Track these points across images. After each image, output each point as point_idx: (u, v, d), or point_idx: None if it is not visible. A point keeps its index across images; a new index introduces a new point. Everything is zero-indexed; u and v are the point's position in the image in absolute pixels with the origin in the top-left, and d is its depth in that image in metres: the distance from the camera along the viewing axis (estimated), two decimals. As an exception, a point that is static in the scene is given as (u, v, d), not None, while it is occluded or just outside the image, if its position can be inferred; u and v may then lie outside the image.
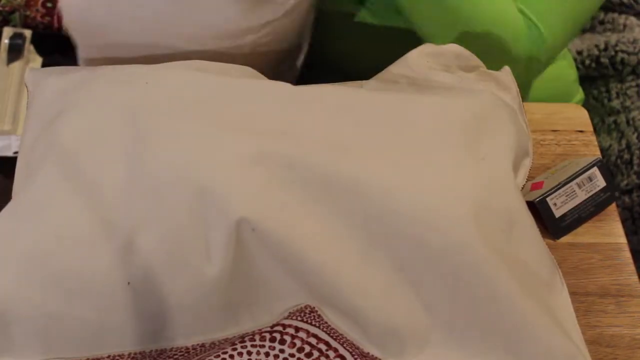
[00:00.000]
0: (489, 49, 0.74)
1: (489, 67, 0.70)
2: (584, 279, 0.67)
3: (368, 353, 0.51)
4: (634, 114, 1.00)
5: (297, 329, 0.52)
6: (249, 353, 0.53)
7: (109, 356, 0.48)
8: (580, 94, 1.00)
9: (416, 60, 0.64)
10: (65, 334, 0.47)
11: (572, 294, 0.66)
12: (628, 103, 1.01)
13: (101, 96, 0.54)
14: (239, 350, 0.53)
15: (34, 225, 0.49)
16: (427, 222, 0.50)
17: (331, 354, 0.53)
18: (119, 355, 0.48)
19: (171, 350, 0.49)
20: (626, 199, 0.95)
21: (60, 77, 0.58)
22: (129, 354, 0.48)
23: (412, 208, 0.50)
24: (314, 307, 0.51)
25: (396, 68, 0.65)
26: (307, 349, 0.52)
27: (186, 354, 0.50)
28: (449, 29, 0.74)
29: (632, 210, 0.94)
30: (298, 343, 0.52)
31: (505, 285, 0.50)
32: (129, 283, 0.47)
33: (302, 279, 0.50)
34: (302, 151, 0.51)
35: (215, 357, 0.53)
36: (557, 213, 0.69)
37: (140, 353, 0.48)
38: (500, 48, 0.74)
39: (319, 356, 0.53)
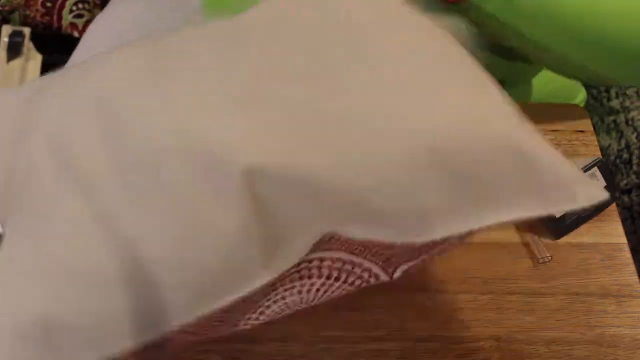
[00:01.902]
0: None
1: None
2: (584, 279, 0.67)
3: (401, 243, 0.50)
4: (633, 113, 1.00)
5: (322, 259, 0.52)
6: (283, 297, 0.54)
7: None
8: (582, 93, 1.00)
9: None
10: (103, 329, 0.47)
11: (573, 294, 0.66)
12: (627, 103, 1.02)
13: (60, 98, 0.53)
14: (273, 298, 0.53)
15: (46, 238, 0.48)
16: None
17: (357, 270, 0.54)
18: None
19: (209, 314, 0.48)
20: (625, 198, 0.95)
21: (14, 93, 0.57)
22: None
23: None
24: (334, 232, 0.50)
25: None
26: (335, 273, 0.54)
27: (225, 313, 0.50)
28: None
29: (631, 209, 0.94)
30: (325, 272, 0.53)
31: (509, 130, 0.51)
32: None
33: (319, 203, 0.49)
34: (282, 91, 0.50)
35: (252, 312, 0.53)
36: (558, 213, 0.69)
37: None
38: None
39: (347, 276, 0.54)
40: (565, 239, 0.70)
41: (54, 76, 0.58)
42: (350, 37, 0.54)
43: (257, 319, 0.55)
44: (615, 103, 1.02)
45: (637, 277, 0.68)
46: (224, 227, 0.47)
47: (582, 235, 0.70)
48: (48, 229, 0.49)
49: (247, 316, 0.54)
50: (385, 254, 0.54)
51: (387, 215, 0.50)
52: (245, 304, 0.51)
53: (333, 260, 0.53)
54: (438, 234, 0.50)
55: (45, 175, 0.51)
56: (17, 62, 1.17)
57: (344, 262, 0.53)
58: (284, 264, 0.51)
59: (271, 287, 0.52)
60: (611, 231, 0.71)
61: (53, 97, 0.55)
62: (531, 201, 0.52)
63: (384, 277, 0.56)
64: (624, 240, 0.70)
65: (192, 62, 0.53)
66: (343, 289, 0.56)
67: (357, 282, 0.56)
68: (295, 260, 0.51)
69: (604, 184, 0.70)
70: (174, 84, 0.51)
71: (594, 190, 0.51)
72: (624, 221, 0.75)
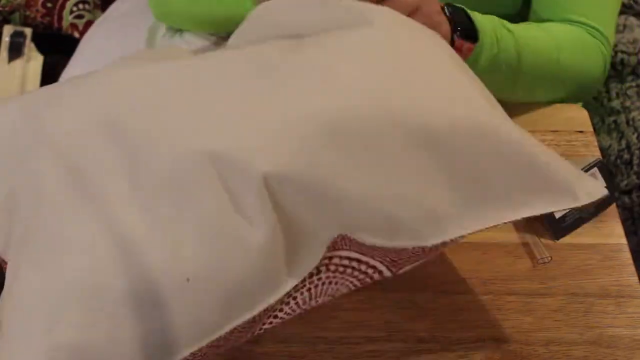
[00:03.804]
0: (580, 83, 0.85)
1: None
2: (584, 280, 0.67)
3: (412, 248, 0.52)
4: (634, 114, 1.00)
5: (331, 258, 0.53)
6: (294, 298, 0.54)
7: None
8: None
9: None
10: (148, 346, 0.47)
11: (573, 294, 0.66)
12: (628, 103, 1.02)
13: (69, 121, 0.53)
14: (286, 300, 0.54)
15: (67, 264, 0.48)
16: (427, 108, 0.52)
17: (363, 267, 0.55)
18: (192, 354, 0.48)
19: (241, 324, 0.49)
20: (626, 199, 0.95)
21: (8, 112, 0.56)
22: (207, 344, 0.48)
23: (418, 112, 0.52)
24: (345, 234, 0.52)
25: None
26: (342, 268, 0.55)
27: (252, 323, 0.50)
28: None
29: (631, 210, 0.94)
30: (332, 267, 0.54)
31: (514, 136, 0.53)
32: (188, 279, 0.47)
33: (337, 214, 0.51)
34: (296, 102, 0.52)
35: (267, 318, 0.54)
36: (558, 214, 0.69)
37: (216, 339, 0.49)
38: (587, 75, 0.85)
39: (353, 271, 0.55)
40: (565, 240, 0.70)
41: (61, 87, 0.58)
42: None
43: (270, 322, 0.55)
44: (615, 103, 1.02)
45: (636, 277, 0.68)
46: (252, 240, 0.48)
47: (582, 235, 0.70)
48: (64, 257, 0.48)
49: (262, 321, 0.55)
50: (391, 256, 0.54)
51: (398, 221, 0.51)
52: (269, 310, 0.51)
53: (341, 258, 0.54)
54: (449, 235, 0.52)
55: (58, 199, 0.50)
56: (18, 62, 1.18)
57: (351, 260, 0.54)
58: (306, 269, 0.52)
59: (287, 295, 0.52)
60: (611, 232, 0.71)
61: (63, 111, 0.54)
62: (535, 200, 0.53)
63: (387, 273, 0.57)
64: (624, 240, 0.70)
65: (219, 83, 0.54)
66: (347, 281, 0.56)
67: (361, 276, 0.56)
68: (315, 264, 0.52)
69: (604, 184, 0.70)
70: (196, 103, 0.52)
71: (593, 187, 0.53)
72: (624, 222, 0.75)
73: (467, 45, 0.81)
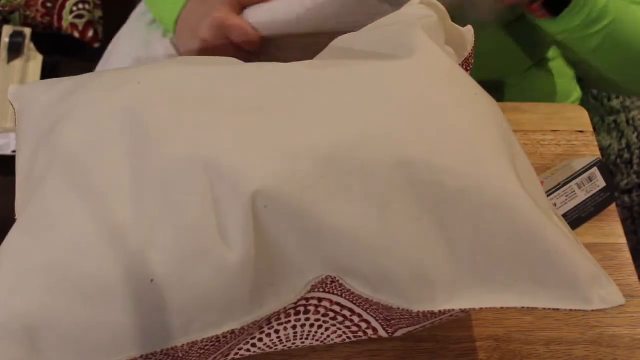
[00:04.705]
0: None
1: None
2: (584, 279, 0.67)
3: (398, 308, 0.50)
4: (634, 113, 1.00)
5: (320, 299, 0.52)
6: (277, 332, 0.54)
7: (141, 356, 0.47)
8: (577, 92, 1.00)
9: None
10: (96, 340, 0.47)
11: (572, 294, 0.66)
12: (628, 103, 1.02)
13: (95, 101, 0.53)
14: (267, 332, 0.53)
15: (48, 238, 0.48)
16: (442, 166, 0.49)
17: (355, 318, 0.54)
18: (151, 354, 0.48)
19: (202, 341, 0.49)
20: (626, 198, 0.95)
21: (48, 89, 0.57)
22: (162, 351, 0.48)
23: (425, 155, 0.49)
24: (335, 277, 0.50)
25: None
26: (332, 314, 0.53)
27: (217, 343, 0.50)
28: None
29: (632, 209, 0.94)
30: (322, 310, 0.53)
31: (530, 214, 0.48)
32: (152, 280, 0.46)
33: (321, 248, 0.49)
34: (302, 126, 0.50)
35: (244, 344, 0.53)
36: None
37: (172, 349, 0.48)
38: None
39: (344, 320, 0.54)
40: (565, 239, 0.70)
41: (91, 76, 0.58)
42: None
43: (248, 350, 0.55)
44: (615, 103, 1.02)
45: (636, 277, 0.68)
46: (225, 259, 0.47)
47: (582, 235, 0.70)
48: (51, 233, 0.48)
49: (238, 347, 0.54)
50: (384, 314, 0.53)
51: (383, 273, 0.49)
52: (238, 335, 0.51)
53: (332, 303, 0.53)
54: (437, 306, 0.50)
55: (60, 177, 0.50)
56: (17, 63, 1.18)
57: (343, 307, 0.53)
58: (281, 303, 0.51)
59: (266, 321, 0.52)
60: (611, 231, 0.71)
61: (88, 95, 0.54)
62: (542, 293, 0.49)
63: (383, 333, 0.56)
64: (623, 240, 0.70)
65: (228, 97, 0.53)
66: (339, 330, 0.55)
67: (354, 328, 0.55)
68: (293, 300, 0.51)
69: (604, 184, 0.70)
70: (203, 114, 0.51)
71: (609, 294, 0.49)
72: (624, 221, 0.75)
73: (541, 13, 0.79)
